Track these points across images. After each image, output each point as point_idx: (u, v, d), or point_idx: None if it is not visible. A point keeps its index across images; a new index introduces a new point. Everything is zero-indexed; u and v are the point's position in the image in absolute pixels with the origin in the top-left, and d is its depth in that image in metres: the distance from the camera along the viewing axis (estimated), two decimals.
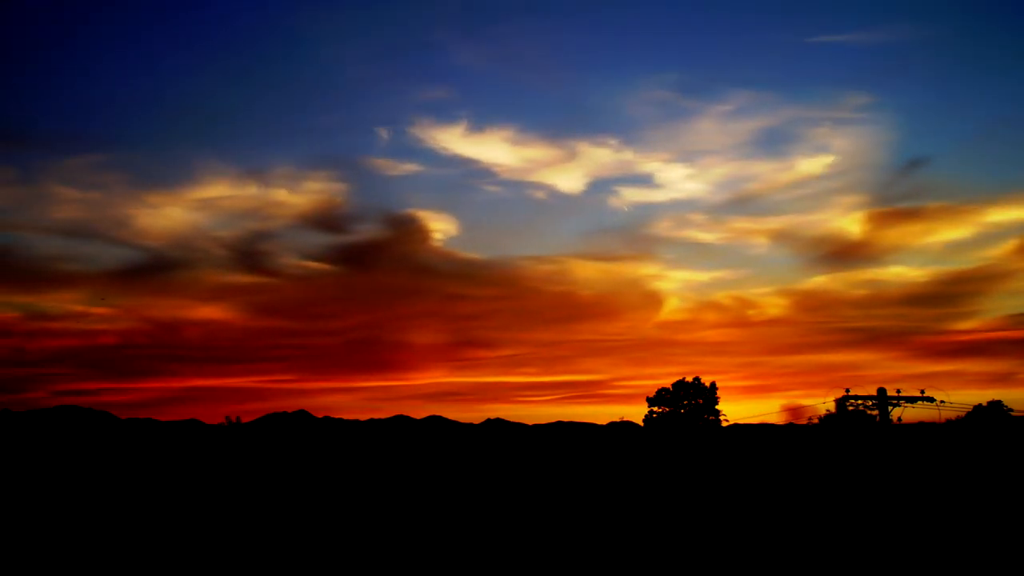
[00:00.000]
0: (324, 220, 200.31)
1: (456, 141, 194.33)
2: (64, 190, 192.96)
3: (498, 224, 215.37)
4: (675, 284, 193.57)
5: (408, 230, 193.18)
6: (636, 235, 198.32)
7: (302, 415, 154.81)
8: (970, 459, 57.97)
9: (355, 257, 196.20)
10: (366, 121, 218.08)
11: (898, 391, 41.58)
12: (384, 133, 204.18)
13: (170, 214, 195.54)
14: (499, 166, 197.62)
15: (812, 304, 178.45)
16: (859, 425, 66.96)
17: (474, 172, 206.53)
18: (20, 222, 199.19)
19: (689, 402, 79.22)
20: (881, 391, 41.48)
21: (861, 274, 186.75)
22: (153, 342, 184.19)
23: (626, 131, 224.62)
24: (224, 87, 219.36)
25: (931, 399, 39.25)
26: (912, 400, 39.73)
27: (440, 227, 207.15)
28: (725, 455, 69.02)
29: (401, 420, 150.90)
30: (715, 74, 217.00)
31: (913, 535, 31.62)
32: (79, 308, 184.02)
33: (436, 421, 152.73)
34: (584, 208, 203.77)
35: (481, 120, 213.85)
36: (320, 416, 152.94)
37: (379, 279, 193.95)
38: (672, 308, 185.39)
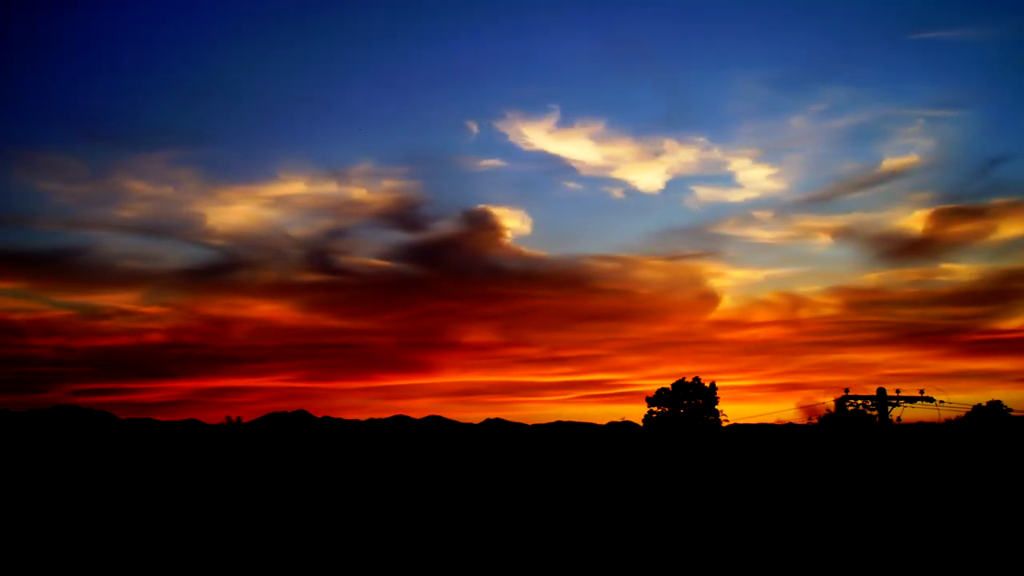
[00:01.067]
0: (400, 218, 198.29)
1: (542, 136, 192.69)
2: (137, 186, 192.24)
3: (571, 222, 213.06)
4: (730, 282, 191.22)
5: (481, 227, 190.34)
6: (702, 233, 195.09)
7: (301, 415, 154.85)
8: (969, 459, 57.96)
9: (424, 255, 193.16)
10: (454, 116, 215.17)
11: (897, 391, 41.56)
12: (473, 127, 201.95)
13: (244, 211, 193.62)
14: (581, 163, 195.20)
15: (863, 301, 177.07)
16: (858, 425, 66.95)
17: (556, 168, 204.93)
18: (90, 220, 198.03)
19: (689, 402, 79.16)
20: (880, 391, 41.46)
21: (916, 271, 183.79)
22: (201, 341, 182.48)
23: (716, 129, 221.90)
24: (306, 82, 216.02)
25: (930, 399, 39.23)
26: (911, 400, 39.72)
27: (513, 224, 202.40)
28: (724, 455, 69.01)
29: (400, 420, 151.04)
30: (813, 71, 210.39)
31: (912, 535, 31.61)
32: (131, 307, 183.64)
33: (435, 421, 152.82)
34: (658, 207, 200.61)
35: (571, 115, 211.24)
36: (320, 416, 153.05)
37: (443, 278, 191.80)
38: (724, 307, 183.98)
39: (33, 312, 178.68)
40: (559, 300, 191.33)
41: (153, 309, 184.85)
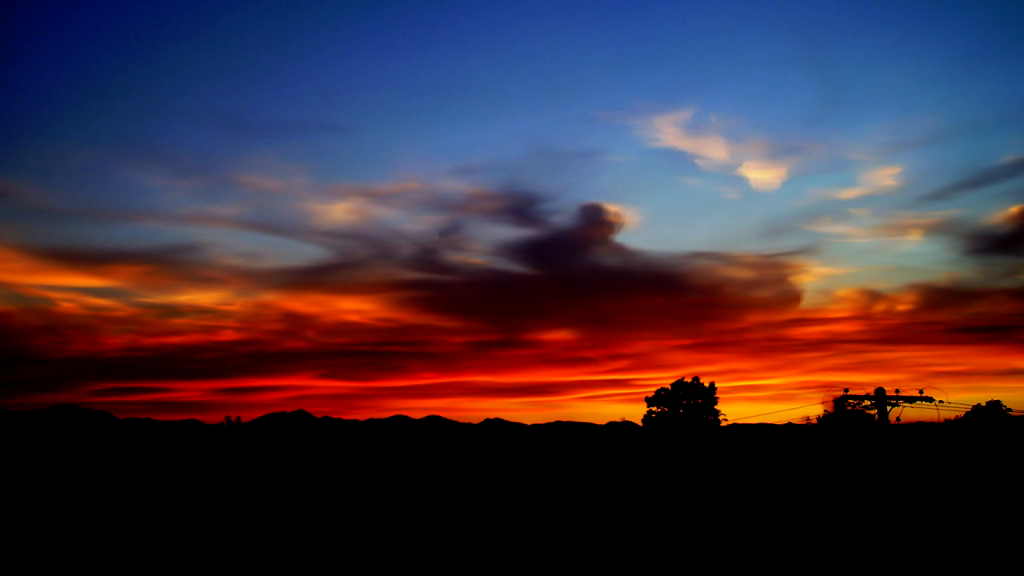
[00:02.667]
0: (513, 213, 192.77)
1: (667, 131, 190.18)
2: (250, 180, 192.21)
3: (681, 219, 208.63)
4: (816, 279, 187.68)
5: (591, 224, 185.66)
6: (803, 231, 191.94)
7: (301, 415, 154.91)
8: (968, 459, 57.95)
9: (532, 253, 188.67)
10: (582, 108, 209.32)
11: (896, 391, 41.57)
12: (598, 120, 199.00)
13: (354, 208, 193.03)
14: (704, 159, 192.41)
15: (941, 299, 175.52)
16: (857, 425, 66.93)
17: (677, 164, 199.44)
18: (199, 215, 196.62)
19: (688, 402, 79.13)
20: (879, 391, 41.45)
21: (1001, 267, 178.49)
22: (275, 339, 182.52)
23: (849, 127, 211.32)
24: (426, 76, 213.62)
25: (929, 399, 39.22)
26: (910, 400, 39.71)
27: (625, 220, 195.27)
28: (723, 455, 69.00)
29: (400, 420, 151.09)
30: (949, 70, 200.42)
31: (911, 535, 31.60)
32: (215, 305, 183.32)
33: (435, 421, 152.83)
34: (769, 204, 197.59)
35: (702, 111, 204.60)
36: (319, 416, 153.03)
37: (543, 274, 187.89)
38: (806, 304, 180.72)
39: (113, 311, 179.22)
40: (649, 299, 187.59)
41: (235, 307, 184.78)
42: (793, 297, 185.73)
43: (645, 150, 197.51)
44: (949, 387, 39.44)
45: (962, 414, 77.72)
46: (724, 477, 54.25)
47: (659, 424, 79.41)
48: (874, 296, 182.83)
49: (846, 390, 44.44)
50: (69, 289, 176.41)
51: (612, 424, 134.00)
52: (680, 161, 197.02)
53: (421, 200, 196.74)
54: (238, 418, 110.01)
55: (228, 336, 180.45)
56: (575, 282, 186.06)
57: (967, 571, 26.37)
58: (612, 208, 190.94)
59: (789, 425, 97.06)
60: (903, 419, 41.07)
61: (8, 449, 74.73)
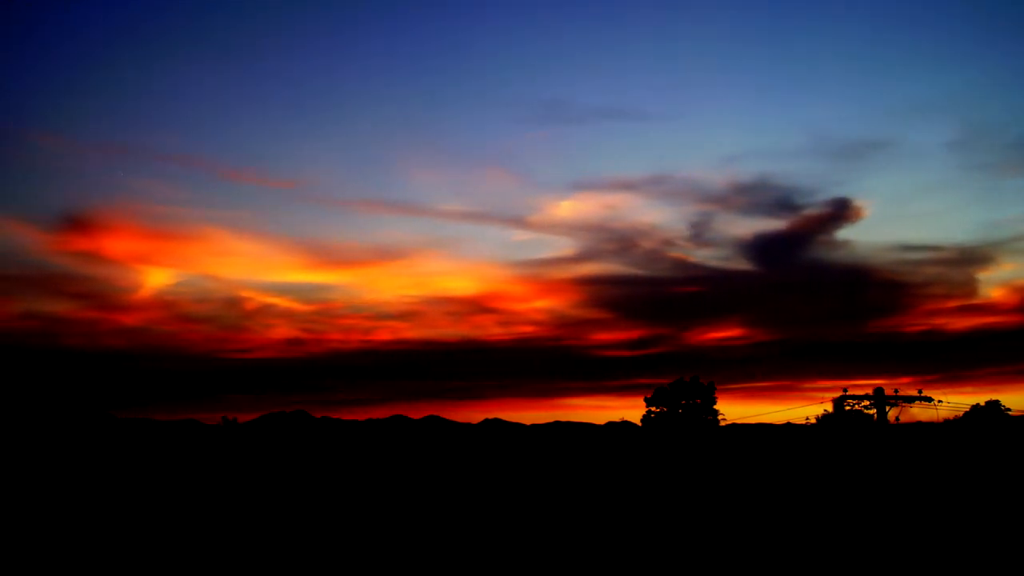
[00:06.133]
0: (742, 211, 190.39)
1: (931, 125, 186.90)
2: (491, 172, 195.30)
3: (913, 212, 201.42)
4: (1001, 275, 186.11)
5: (821, 220, 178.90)
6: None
7: (301, 415, 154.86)
8: (967, 459, 57.91)
9: (744, 251, 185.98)
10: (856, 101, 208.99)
11: (896, 391, 41.57)
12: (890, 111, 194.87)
13: (575, 206, 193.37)
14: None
15: None
16: (856, 425, 66.88)
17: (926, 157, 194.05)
18: (426, 206, 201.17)
19: (687, 402, 79.05)
20: (879, 391, 41.45)
21: None
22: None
23: None
24: (677, 75, 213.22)
25: (928, 399, 39.23)
26: (909, 400, 39.71)
27: (859, 214, 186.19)
28: (722, 455, 68.96)
29: (399, 420, 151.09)
30: None
31: (910, 534, 31.57)
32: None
33: (434, 421, 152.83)
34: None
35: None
36: (318, 416, 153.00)
37: (758, 270, 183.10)
38: (980, 300, 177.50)
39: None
40: (830, 299, 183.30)
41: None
42: (970, 294, 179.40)
43: (903, 144, 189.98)
44: None
45: (960, 414, 77.77)
46: (723, 477, 54.21)
47: (658, 424, 79.37)
48: None
49: (845, 390, 44.42)
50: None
51: (611, 424, 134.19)
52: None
53: (649, 197, 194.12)
54: (235, 418, 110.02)
55: None
56: (782, 278, 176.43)
57: (967, 571, 26.34)
58: (859, 203, 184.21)
59: (788, 425, 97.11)
60: (902, 419, 41.09)
61: (7, 449, 74.48)
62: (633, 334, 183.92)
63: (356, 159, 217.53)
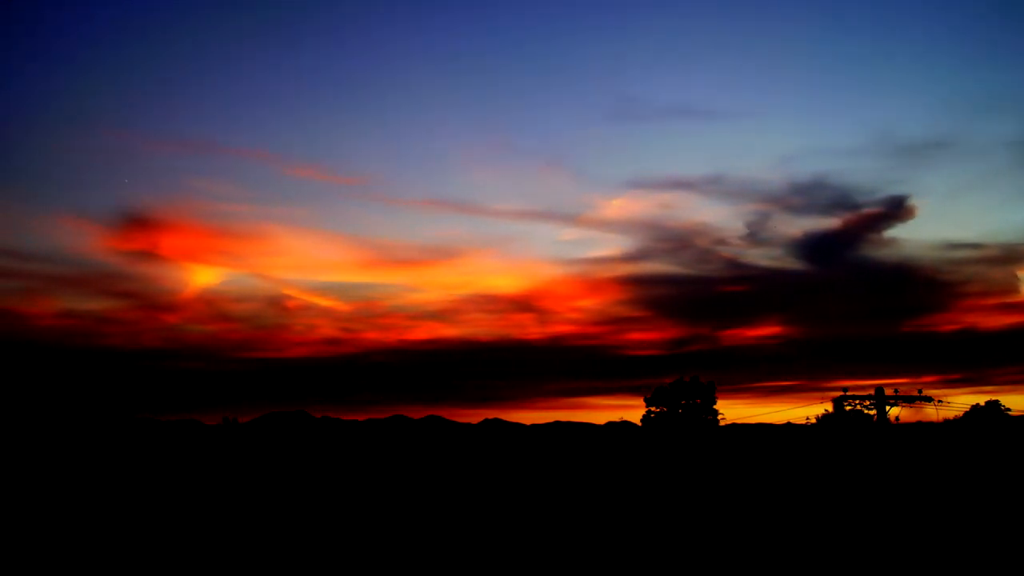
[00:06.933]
0: (797, 210, 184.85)
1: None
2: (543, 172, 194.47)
3: (963, 210, 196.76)
4: None
5: (872, 218, 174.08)
6: None
7: (301, 414, 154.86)
8: (967, 459, 57.95)
9: (794, 250, 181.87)
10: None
11: (895, 391, 41.62)
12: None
13: (629, 205, 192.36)
14: None
15: None
16: (856, 425, 66.93)
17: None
18: (482, 205, 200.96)
19: (687, 401, 79.12)
20: (879, 390, 41.50)
21: None
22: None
23: None
24: (741, 78, 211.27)
25: (928, 399, 39.28)
26: (909, 400, 39.75)
27: (911, 213, 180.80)
28: (721, 455, 69.00)
29: (399, 420, 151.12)
30: None
31: (909, 534, 31.61)
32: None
33: (434, 421, 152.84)
34: None
35: None
36: (318, 416, 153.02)
37: (798, 274, 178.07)
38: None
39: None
40: (869, 300, 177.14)
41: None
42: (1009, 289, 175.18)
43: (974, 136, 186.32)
44: None
45: (960, 414, 77.84)
46: (722, 477, 54.25)
47: (658, 424, 79.45)
48: None
49: (845, 390, 44.47)
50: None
51: (611, 424, 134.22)
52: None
53: (710, 194, 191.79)
54: (235, 418, 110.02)
55: None
56: (828, 276, 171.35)
57: (966, 571, 26.37)
58: (917, 203, 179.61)
59: (788, 425, 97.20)
60: (902, 419, 41.15)
61: (9, 448, 74.58)
62: (669, 334, 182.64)
63: (419, 157, 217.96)
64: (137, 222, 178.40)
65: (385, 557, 29.89)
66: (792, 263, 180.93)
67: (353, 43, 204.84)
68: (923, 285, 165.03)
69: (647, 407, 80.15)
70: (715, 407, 78.86)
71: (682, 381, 79.75)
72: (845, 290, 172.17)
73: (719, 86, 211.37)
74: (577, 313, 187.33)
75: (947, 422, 73.74)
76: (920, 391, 41.52)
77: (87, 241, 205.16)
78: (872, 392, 43.29)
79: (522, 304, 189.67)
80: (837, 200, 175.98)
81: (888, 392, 41.98)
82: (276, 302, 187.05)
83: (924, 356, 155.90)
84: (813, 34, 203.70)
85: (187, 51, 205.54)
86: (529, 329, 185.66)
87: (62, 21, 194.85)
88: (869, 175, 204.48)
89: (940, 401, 41.18)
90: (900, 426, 42.61)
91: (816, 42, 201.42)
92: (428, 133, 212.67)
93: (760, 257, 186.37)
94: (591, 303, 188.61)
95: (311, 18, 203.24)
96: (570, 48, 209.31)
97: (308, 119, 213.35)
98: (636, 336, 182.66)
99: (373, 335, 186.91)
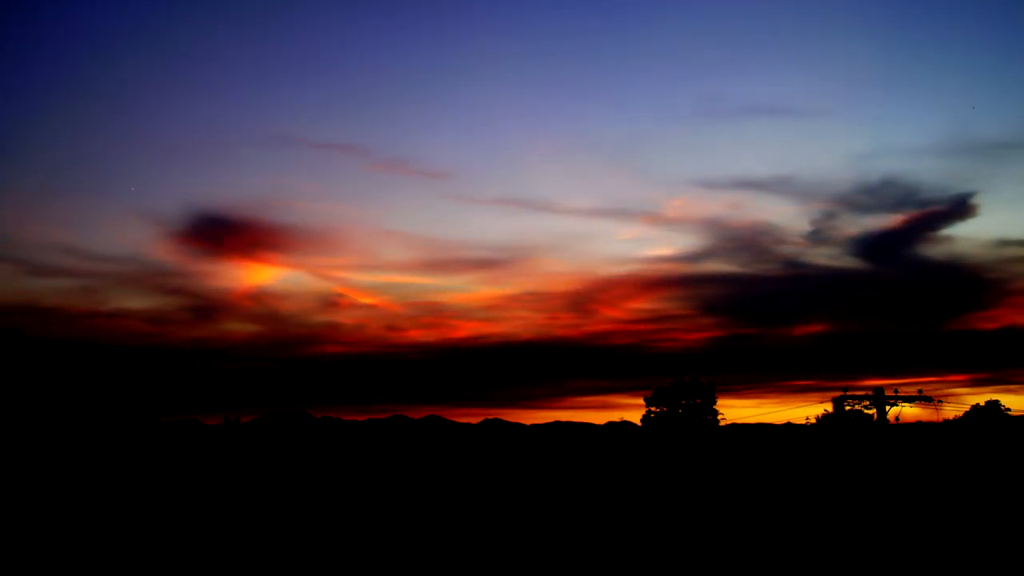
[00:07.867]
0: (862, 210, 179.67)
1: None
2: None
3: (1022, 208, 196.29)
4: None
5: (933, 217, 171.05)
6: None
7: (301, 414, 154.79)
8: (967, 459, 57.99)
9: (853, 249, 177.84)
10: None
11: (895, 391, 41.65)
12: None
13: (696, 204, 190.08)
14: None
15: None
16: (856, 425, 66.99)
17: None
18: (550, 203, 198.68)
19: (687, 401, 79.11)
20: (878, 391, 41.53)
21: None
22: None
23: None
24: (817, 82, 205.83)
25: (928, 399, 39.30)
26: (909, 400, 39.78)
27: (972, 211, 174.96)
28: (721, 455, 69.03)
29: (399, 420, 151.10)
30: None
31: (909, 534, 31.65)
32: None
33: (434, 421, 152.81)
34: None
35: None
36: (319, 416, 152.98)
37: (852, 273, 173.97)
38: None
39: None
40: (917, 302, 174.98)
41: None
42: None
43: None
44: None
45: (960, 414, 77.92)
46: (722, 477, 54.28)
47: (658, 424, 79.44)
48: None
49: (845, 390, 44.51)
50: None
51: (611, 424, 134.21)
52: None
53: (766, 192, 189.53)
54: (236, 418, 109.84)
55: None
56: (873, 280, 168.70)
57: (966, 571, 26.42)
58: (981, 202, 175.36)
59: (788, 425, 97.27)
60: (902, 419, 41.18)
61: (11, 448, 74.54)
62: (716, 333, 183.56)
63: (490, 153, 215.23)
64: (204, 221, 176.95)
65: (385, 557, 29.94)
66: (849, 262, 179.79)
67: (430, 39, 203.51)
68: (971, 283, 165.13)
69: (647, 407, 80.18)
70: (715, 407, 78.95)
71: (682, 381, 79.73)
72: (892, 288, 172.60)
73: (797, 85, 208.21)
74: (621, 312, 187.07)
75: (947, 422, 73.85)
76: (920, 391, 41.56)
77: (150, 241, 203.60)
78: (845, 392, 43.67)
79: (571, 303, 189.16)
80: (903, 199, 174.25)
81: (888, 392, 42.14)
82: (327, 301, 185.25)
83: (960, 355, 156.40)
84: (891, 34, 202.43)
85: (264, 49, 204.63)
86: (572, 329, 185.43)
87: (136, 20, 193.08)
88: (938, 174, 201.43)
89: (940, 401, 41.23)
90: (900, 426, 42.64)
91: (892, 42, 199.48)
92: (501, 129, 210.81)
93: (818, 256, 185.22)
94: (639, 303, 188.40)
95: (392, 16, 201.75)
96: (651, 46, 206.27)
97: (388, 116, 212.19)
98: (676, 335, 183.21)
99: (416, 333, 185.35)
